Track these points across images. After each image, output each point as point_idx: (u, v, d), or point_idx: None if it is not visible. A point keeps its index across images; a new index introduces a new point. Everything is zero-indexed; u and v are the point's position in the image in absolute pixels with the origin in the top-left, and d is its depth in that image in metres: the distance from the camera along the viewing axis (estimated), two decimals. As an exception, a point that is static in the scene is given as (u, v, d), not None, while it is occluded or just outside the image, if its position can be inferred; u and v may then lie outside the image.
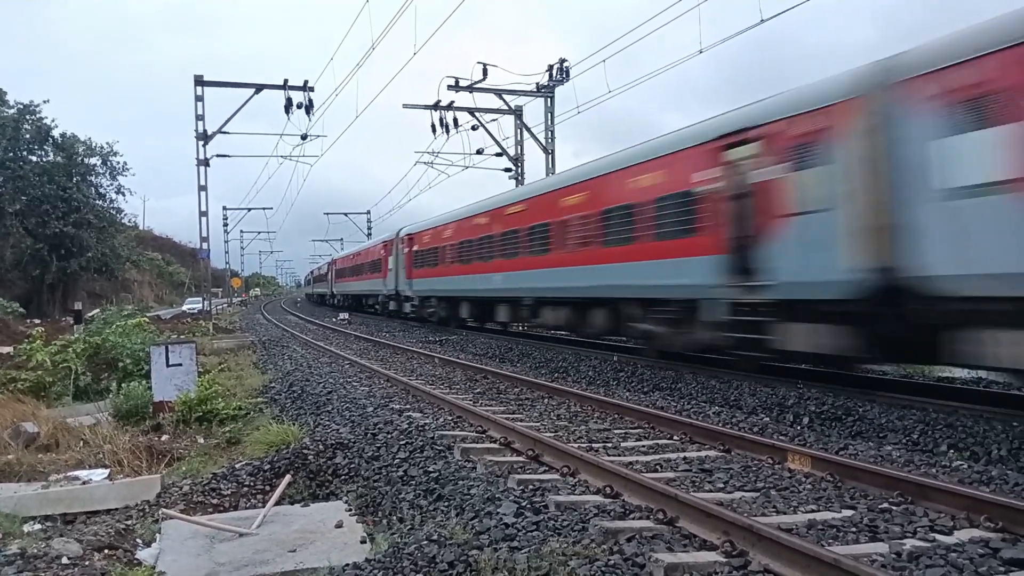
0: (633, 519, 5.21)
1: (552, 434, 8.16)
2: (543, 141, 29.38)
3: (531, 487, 6.11)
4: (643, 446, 7.82)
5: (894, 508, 5.40)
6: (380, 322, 35.01)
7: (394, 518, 6.00)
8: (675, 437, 8.16)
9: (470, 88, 28.02)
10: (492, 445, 7.81)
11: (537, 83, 28.83)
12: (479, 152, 30.78)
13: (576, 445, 7.47)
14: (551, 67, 28.49)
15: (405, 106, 29.40)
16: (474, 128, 29.55)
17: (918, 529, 4.91)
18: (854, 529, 4.92)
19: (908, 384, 11.05)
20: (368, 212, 72.82)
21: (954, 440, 7.62)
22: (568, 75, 28.25)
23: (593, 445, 7.72)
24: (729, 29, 17.62)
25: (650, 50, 21.74)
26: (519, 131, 30.41)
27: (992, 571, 4.18)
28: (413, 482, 6.56)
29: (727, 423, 8.83)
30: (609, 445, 7.80)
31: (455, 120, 28.86)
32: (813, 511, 5.38)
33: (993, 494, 5.47)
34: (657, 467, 6.82)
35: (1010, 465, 6.79)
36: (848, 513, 5.30)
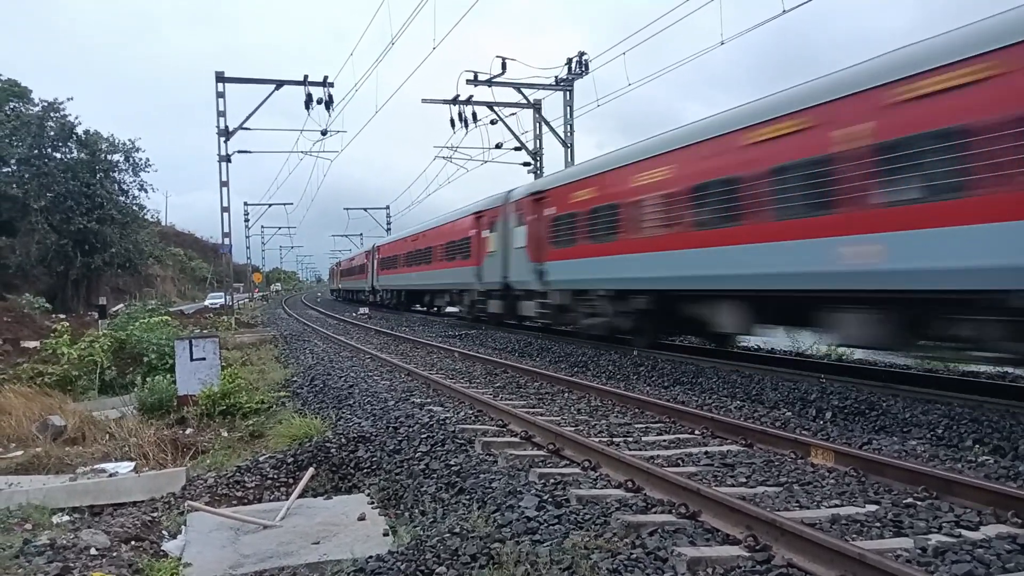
0: (655, 513, 5.21)
1: (573, 428, 8.16)
2: (562, 135, 29.30)
3: (552, 481, 6.12)
4: (664, 440, 7.80)
5: (919, 503, 5.36)
6: (399, 317, 35.12)
7: (416, 511, 6.04)
8: (696, 431, 8.13)
9: (489, 82, 28.02)
10: (513, 439, 7.82)
11: (556, 76, 28.76)
12: (498, 146, 30.78)
13: (597, 439, 7.47)
14: (570, 60, 28.41)
15: (424, 101, 29.48)
16: (493, 122, 29.54)
17: (943, 524, 4.86)
18: (878, 524, 4.89)
19: (932, 378, 10.93)
20: (388, 207, 73.15)
21: (979, 435, 7.53)
22: (587, 68, 28.16)
23: (614, 439, 7.72)
24: (751, 19, 17.44)
25: (672, 41, 21.62)
26: (538, 125, 30.35)
27: (1020, 567, 4.13)
28: (435, 475, 6.59)
29: (749, 417, 8.79)
30: (630, 439, 7.79)
31: (474, 114, 28.86)
32: (837, 506, 5.35)
33: (1020, 489, 5.40)
34: (679, 461, 6.81)
35: (1036, 460, 6.70)
36: (872, 508, 5.26)
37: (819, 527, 4.67)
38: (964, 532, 4.72)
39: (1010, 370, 11.18)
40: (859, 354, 14.07)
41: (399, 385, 11.90)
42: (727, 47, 19.91)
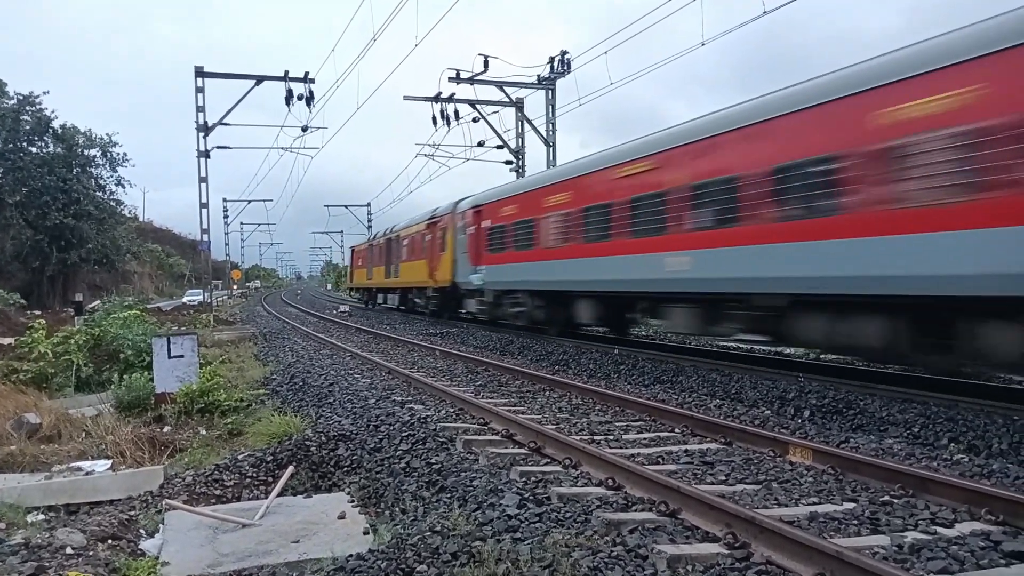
0: (636, 511, 5.23)
1: (554, 426, 8.18)
2: (544, 133, 29.34)
3: (533, 479, 6.13)
4: (645, 439, 7.84)
5: (896, 501, 5.42)
6: (380, 314, 35.01)
7: (396, 509, 6.02)
8: (676, 430, 8.18)
9: (471, 80, 28.00)
10: (494, 437, 7.82)
11: (539, 75, 28.80)
12: (480, 144, 30.74)
13: (578, 437, 7.48)
14: (552, 59, 28.46)
15: (406, 98, 29.37)
16: (475, 120, 29.53)
17: (919, 522, 4.92)
18: (856, 522, 4.94)
19: (909, 378, 11.06)
20: (368, 204, 72.85)
21: (955, 434, 7.63)
22: (569, 67, 28.22)
23: (595, 437, 7.74)
24: (733, 20, 17.61)
25: (654, 40, 21.70)
26: (520, 123, 30.36)
27: (993, 563, 4.20)
28: (415, 474, 6.58)
29: (728, 416, 8.85)
30: (611, 437, 7.82)
31: (456, 112, 28.83)
32: (815, 503, 5.40)
33: (994, 487, 5.48)
34: (659, 459, 6.84)
35: (1011, 459, 6.80)
36: (850, 506, 5.32)
37: (798, 525, 4.71)
38: (939, 529, 4.78)
39: (985, 370, 11.32)
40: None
41: (380, 383, 11.86)
42: (710, 47, 20.03)
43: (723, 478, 6.17)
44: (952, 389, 9.59)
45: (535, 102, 49.53)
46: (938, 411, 8.34)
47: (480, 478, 6.03)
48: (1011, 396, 9.14)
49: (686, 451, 7.17)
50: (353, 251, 50.35)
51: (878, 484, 5.83)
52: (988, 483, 5.77)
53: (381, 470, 6.94)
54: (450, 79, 27.85)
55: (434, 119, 28.59)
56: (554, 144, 29.49)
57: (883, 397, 9.18)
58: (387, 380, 12.32)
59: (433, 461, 6.74)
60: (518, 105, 30.01)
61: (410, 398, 10.34)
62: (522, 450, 7.28)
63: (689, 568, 4.19)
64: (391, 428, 8.12)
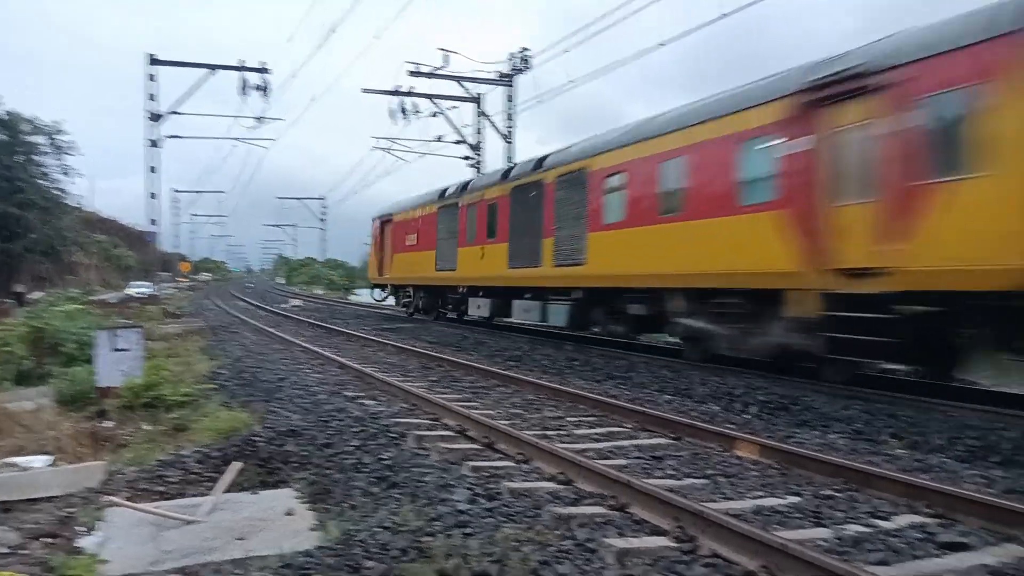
0: (586, 505, 5.26)
1: (507, 422, 8.18)
2: (502, 129, 29.32)
3: (485, 474, 6.13)
4: (596, 434, 7.89)
5: (838, 495, 5.55)
6: (333, 309, 34.62)
7: (346, 505, 5.95)
8: (627, 425, 8.25)
9: (430, 75, 27.86)
10: (446, 432, 7.80)
11: (499, 72, 28.77)
12: (438, 139, 30.62)
13: (530, 433, 7.50)
14: (512, 56, 28.46)
15: (364, 91, 29.09)
16: (434, 115, 29.41)
17: (860, 515, 5.05)
18: (799, 515, 5.05)
19: (853, 376, 11.33)
20: (323, 197, 72.00)
21: (896, 429, 7.85)
22: (529, 64, 28.26)
23: (547, 433, 7.77)
24: (693, 21, 17.82)
25: (615, 40, 21.84)
26: (479, 119, 30.30)
27: (928, 554, 4.33)
28: (366, 469, 6.51)
29: (678, 411, 8.97)
30: (563, 433, 7.86)
31: (414, 106, 28.67)
32: (760, 497, 5.50)
33: (932, 481, 5.65)
34: (610, 454, 6.90)
35: (948, 453, 7.03)
36: (794, 500, 5.43)
37: (743, 518, 4.79)
38: (879, 522, 4.91)
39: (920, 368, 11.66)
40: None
41: (331, 378, 11.73)
42: (670, 47, 20.16)
43: (672, 472, 6.25)
44: (894, 387, 9.86)
45: (495, 97, 49.41)
46: (880, 408, 8.58)
47: (431, 473, 6.00)
48: (947, 394, 9.45)
49: (636, 446, 7.24)
50: (391, 223, 29.05)
51: (822, 479, 5.96)
52: (926, 477, 5.95)
53: (331, 466, 6.85)
54: (410, 73, 27.73)
55: (392, 113, 28.39)
56: (513, 141, 29.50)
57: (828, 394, 9.39)
58: (338, 375, 12.19)
59: (384, 457, 6.69)
60: (477, 101, 29.94)
61: (362, 393, 10.24)
62: (475, 445, 7.27)
63: (637, 561, 4.23)
64: (342, 424, 8.03)
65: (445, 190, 23.90)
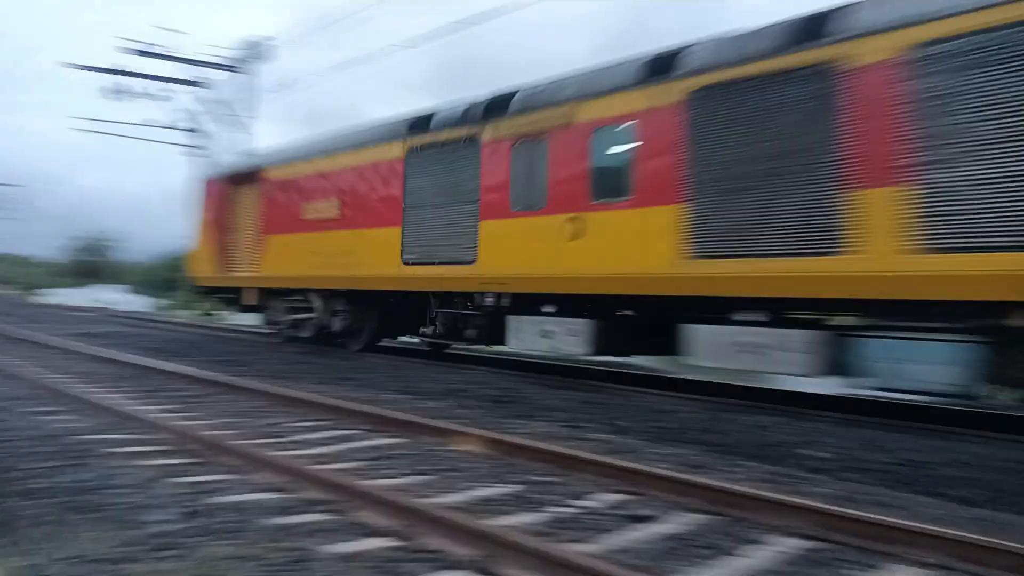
0: (304, 513, 5.15)
1: (226, 432, 7.73)
2: (241, 119, 27.72)
3: (196, 490, 5.74)
4: (322, 438, 7.74)
5: (548, 480, 6.01)
6: (21, 307, 30.28)
7: (35, 537, 5.25)
8: (354, 427, 8.21)
9: (154, 55, 25.49)
10: (156, 448, 7.18)
11: (236, 60, 27.15)
12: (165, 127, 28.12)
13: (250, 442, 7.17)
14: (249, 44, 27.02)
15: (65, 65, 25.86)
16: (160, 100, 26.97)
17: (565, 497, 5.51)
18: (513, 502, 5.38)
19: (566, 368, 12.34)
20: (23, 185, 62.77)
21: (605, 417, 8.67)
22: (269, 54, 27.03)
23: (269, 440, 7.47)
24: (432, 24, 18.21)
25: (359, 36, 21.57)
26: (209, 107, 28.33)
27: (620, 528, 4.85)
28: (57, 495, 5.79)
29: (405, 410, 9.10)
30: (288, 440, 7.61)
31: (145, 89, 26.07)
32: (474, 487, 5.78)
33: (633, 463, 6.32)
34: (334, 458, 6.81)
35: (641, 436, 7.92)
36: (510, 488, 5.78)
37: (463, 510, 5.00)
38: (582, 503, 5.40)
39: (625, 361, 13.04)
40: (501, 348, 15.39)
41: (22, 392, 10.25)
42: (414, 50, 20.41)
43: (396, 471, 6.33)
44: (602, 377, 10.91)
45: (232, 86, 46.62)
46: (590, 396, 9.43)
47: (136, 495, 5.50)
48: (638, 381, 10.69)
49: (363, 447, 7.23)
50: (258, 182, 18.45)
51: (536, 466, 6.41)
52: (631, 457, 6.63)
53: (12, 493, 5.99)
54: (128, 51, 25.08)
55: (104, 92, 25.55)
56: (248, 131, 27.97)
57: (543, 386, 10.12)
58: (30, 389, 10.68)
59: (80, 479, 6.00)
60: (206, 87, 27.96)
61: (59, 408, 9.08)
62: (187, 460, 6.78)
63: (357, 564, 4.23)
64: (28, 444, 7.06)
65: (430, 117, 13.86)
